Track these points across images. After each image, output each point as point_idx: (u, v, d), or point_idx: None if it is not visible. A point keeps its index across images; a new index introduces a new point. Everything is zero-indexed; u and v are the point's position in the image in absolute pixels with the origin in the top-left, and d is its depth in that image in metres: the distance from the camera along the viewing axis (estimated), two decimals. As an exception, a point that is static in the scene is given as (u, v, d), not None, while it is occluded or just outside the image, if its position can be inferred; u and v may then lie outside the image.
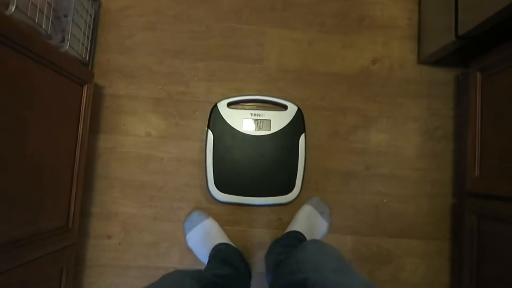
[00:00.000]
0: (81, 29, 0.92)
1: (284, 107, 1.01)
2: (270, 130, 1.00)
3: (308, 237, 0.92)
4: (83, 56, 0.94)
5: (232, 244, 0.95)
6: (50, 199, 0.76)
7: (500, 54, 0.82)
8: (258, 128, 1.00)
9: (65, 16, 0.85)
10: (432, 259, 1.03)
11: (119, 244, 0.99)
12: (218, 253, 0.90)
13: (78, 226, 0.88)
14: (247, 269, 0.91)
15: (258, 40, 1.06)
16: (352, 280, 0.51)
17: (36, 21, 0.71)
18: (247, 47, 1.06)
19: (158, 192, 1.01)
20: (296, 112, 1.01)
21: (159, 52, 1.04)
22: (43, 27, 0.74)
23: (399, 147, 1.05)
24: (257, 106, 1.04)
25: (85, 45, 0.95)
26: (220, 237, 0.96)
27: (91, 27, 0.99)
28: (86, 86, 0.88)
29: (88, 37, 0.97)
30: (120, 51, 1.03)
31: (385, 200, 1.04)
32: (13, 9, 0.62)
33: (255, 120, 1.00)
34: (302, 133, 1.00)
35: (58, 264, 0.81)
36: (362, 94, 1.06)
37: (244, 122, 1.00)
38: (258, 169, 0.99)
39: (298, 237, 0.91)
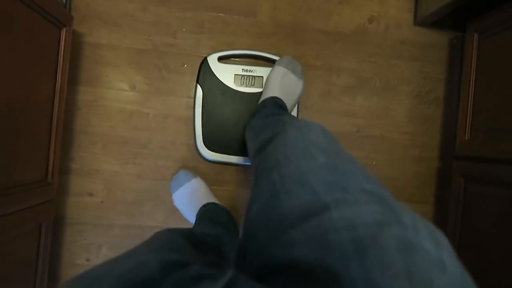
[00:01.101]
0: (56, -35, 0.82)
1: (277, 64, 0.97)
2: (262, 87, 0.95)
3: (285, 100, 0.87)
4: (59, -3, 0.86)
5: (220, 204, 0.93)
6: (26, 150, 0.70)
7: (503, 14, 0.81)
8: (250, 84, 0.96)
9: None
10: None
11: (101, 202, 0.95)
12: (206, 213, 0.87)
13: (57, 182, 0.83)
14: (236, 229, 0.89)
15: (251, -9, 0.99)
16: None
17: None
18: (240, -2, 0.99)
19: (142, 149, 0.96)
20: (290, 69, 0.97)
21: (143, -2, 0.96)
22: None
23: (390, 109, 1.04)
24: (249, 62, 0.99)
25: (61, -15, 0.86)
26: (207, 196, 0.93)
27: (68, -36, 0.89)
28: (64, 29, 0.79)
29: (64, -24, 0.87)
30: (101, -5, 0.95)
31: (374, 163, 1.04)
32: None
33: (247, 76, 0.95)
34: (294, 92, 0.97)
35: (37, 219, 0.76)
36: (356, 53, 1.03)
37: (235, 78, 0.95)
38: (249, 127, 0.95)
39: (275, 102, 0.84)
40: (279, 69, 0.90)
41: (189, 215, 0.93)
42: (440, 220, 1.04)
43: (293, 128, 0.54)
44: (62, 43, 0.80)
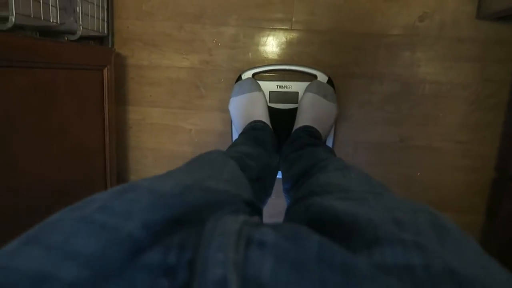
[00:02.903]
0: (94, 3, 0.86)
1: (314, 77, 0.94)
2: (297, 102, 0.94)
3: (319, 127, 0.85)
4: (101, 30, 0.90)
5: (269, 126, 0.90)
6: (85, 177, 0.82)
7: None
8: (285, 101, 0.95)
9: (74, -6, 0.79)
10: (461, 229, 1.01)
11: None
12: (254, 130, 0.85)
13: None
14: (276, 155, 0.83)
15: (286, -3, 0.93)
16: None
17: (42, 17, 0.68)
18: (273, 6, 0.94)
19: (187, 162, 1.04)
20: (327, 82, 0.93)
21: (178, 16, 0.96)
22: (51, 20, 0.70)
23: (440, 118, 0.96)
24: (285, 76, 0.97)
25: (101, 17, 0.90)
26: (262, 114, 0.91)
27: (105, -6, 0.92)
28: (106, 68, 0.86)
29: (103, 7, 0.91)
30: (138, 17, 0.97)
31: (418, 174, 0.99)
32: (13, 20, 0.59)
33: (282, 92, 0.94)
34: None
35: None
36: (403, 57, 0.94)
37: (270, 94, 0.94)
38: (285, 143, 0.96)
39: (309, 132, 0.83)
40: (309, 96, 0.87)
41: (238, 123, 0.92)
42: (490, 234, 0.99)
43: (333, 166, 0.55)
44: (106, 79, 0.88)
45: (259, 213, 0.45)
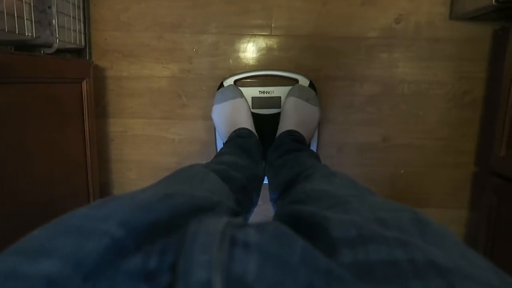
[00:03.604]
0: (70, 15, 0.84)
1: (295, 81, 0.94)
2: (280, 107, 0.94)
3: (303, 130, 0.85)
4: (78, 42, 0.89)
5: (254, 133, 0.89)
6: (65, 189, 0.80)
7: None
8: (269, 106, 0.95)
9: (50, 7, 0.78)
10: (447, 226, 1.03)
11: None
12: (239, 138, 0.83)
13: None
14: (261, 162, 0.83)
15: (264, 4, 0.94)
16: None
17: (17, 31, 0.66)
18: (253, 13, 0.94)
19: (173, 172, 1.03)
20: (308, 86, 0.93)
21: (156, 26, 0.95)
22: (26, 34, 0.69)
23: (420, 116, 0.98)
24: (266, 81, 0.97)
25: (78, 29, 0.88)
26: (246, 121, 0.89)
27: (81, 6, 0.91)
28: (84, 81, 0.84)
29: (80, 20, 0.90)
30: (116, 28, 0.96)
31: (402, 171, 1.01)
32: (-13, 35, 0.58)
33: (265, 98, 0.95)
34: (314, 108, 0.94)
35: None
36: (382, 59, 0.96)
37: (252, 100, 0.95)
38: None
39: (293, 137, 0.82)
40: (292, 100, 0.88)
41: (222, 131, 0.91)
42: (475, 227, 1.01)
43: (318, 173, 0.55)
44: (85, 91, 0.86)
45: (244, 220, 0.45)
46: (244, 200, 0.60)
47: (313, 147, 0.96)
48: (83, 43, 0.92)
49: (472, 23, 0.93)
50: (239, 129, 0.87)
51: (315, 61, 0.96)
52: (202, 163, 0.59)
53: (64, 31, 0.82)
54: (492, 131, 0.90)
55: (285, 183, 0.64)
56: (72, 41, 0.85)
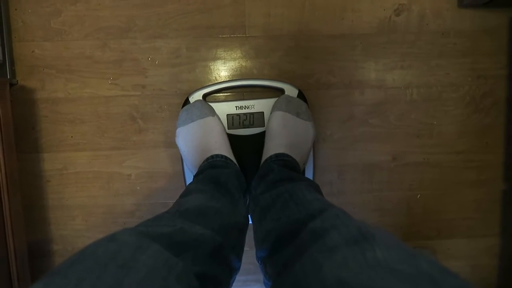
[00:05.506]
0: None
1: (281, 91, 0.75)
2: (264, 125, 0.74)
3: (294, 153, 0.66)
4: (-10, 55, 0.67)
5: (233, 160, 0.69)
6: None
7: None
8: (249, 124, 0.75)
9: None
10: (478, 259, 0.85)
11: None
12: (213, 169, 0.63)
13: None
14: (245, 208, 0.62)
15: (234, -2, 0.75)
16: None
17: None
18: (221, 9, 0.76)
19: (130, 217, 0.80)
20: (297, 97, 0.74)
21: (99, 32, 0.75)
22: None
23: (434, 126, 0.80)
24: (244, 94, 0.77)
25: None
26: (221, 146, 0.69)
27: (-6, 9, 0.69)
28: (-5, 104, 0.62)
29: (-8, 26, 0.68)
30: (46, 37, 0.75)
31: (418, 196, 0.82)
32: None
33: (243, 114, 0.74)
34: (306, 124, 0.74)
35: None
36: (383, 59, 0.78)
37: (227, 118, 0.74)
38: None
39: (282, 162, 0.64)
40: (278, 115, 0.68)
41: (191, 161, 0.70)
42: (510, 256, 0.82)
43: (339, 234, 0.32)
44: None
45: None
46: (216, 272, 0.39)
47: (309, 174, 0.76)
48: (1, 58, 0.70)
49: (485, 11, 0.78)
50: (212, 156, 0.66)
51: (303, 66, 0.78)
52: (138, 228, 0.37)
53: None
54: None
55: (279, 235, 0.43)
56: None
